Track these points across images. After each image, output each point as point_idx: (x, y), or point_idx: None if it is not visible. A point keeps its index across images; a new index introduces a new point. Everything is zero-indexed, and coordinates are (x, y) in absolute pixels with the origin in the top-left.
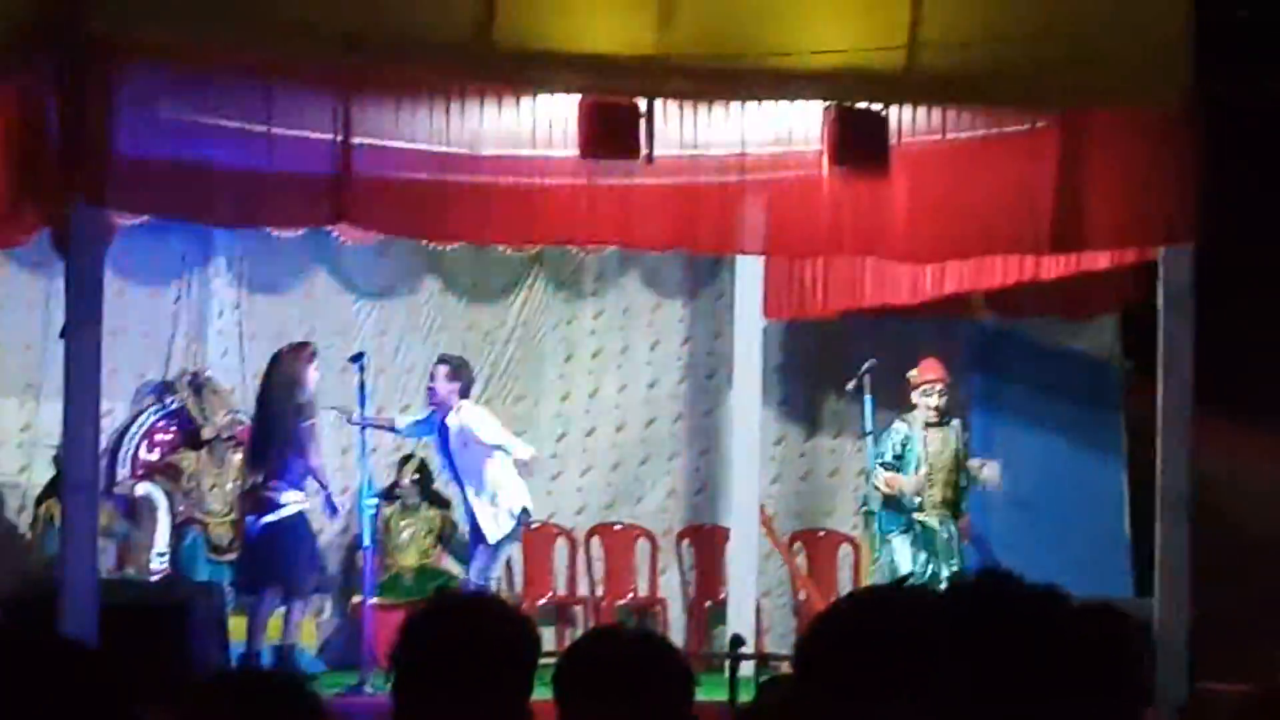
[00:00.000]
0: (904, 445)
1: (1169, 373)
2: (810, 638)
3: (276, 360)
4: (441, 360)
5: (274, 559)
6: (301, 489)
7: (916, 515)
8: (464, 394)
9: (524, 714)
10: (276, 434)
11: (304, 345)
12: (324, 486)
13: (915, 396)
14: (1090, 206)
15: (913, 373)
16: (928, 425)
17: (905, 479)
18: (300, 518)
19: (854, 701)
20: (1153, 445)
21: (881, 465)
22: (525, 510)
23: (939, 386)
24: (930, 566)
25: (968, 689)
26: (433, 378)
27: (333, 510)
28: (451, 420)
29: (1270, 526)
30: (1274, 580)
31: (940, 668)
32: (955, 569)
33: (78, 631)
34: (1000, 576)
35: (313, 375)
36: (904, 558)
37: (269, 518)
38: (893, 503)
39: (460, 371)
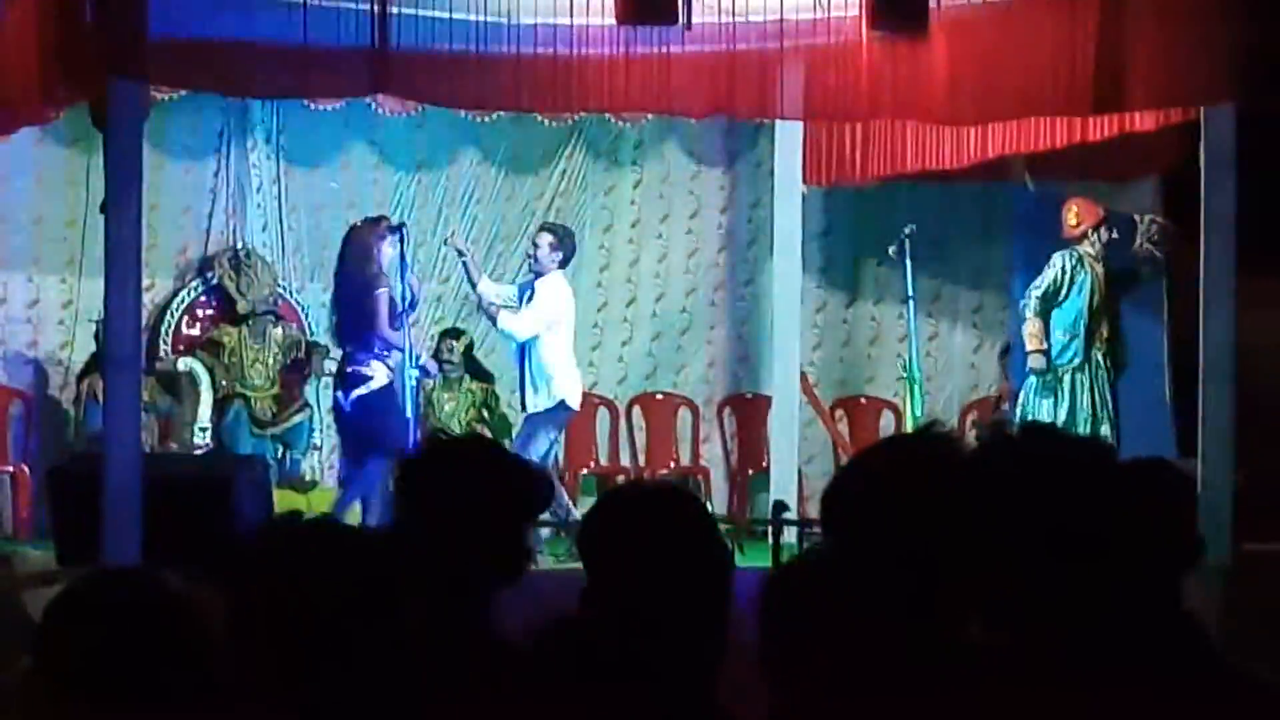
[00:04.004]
0: (1070, 274)
1: (1211, 233)
2: (832, 489)
3: (351, 233)
4: (546, 229)
5: (374, 430)
6: (384, 360)
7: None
8: (563, 264)
9: (524, 554)
10: (353, 307)
11: (379, 219)
12: (401, 351)
13: (1088, 235)
14: (1131, 67)
15: (1070, 216)
16: (1094, 260)
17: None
18: (390, 387)
19: (878, 550)
20: (1195, 306)
21: (1039, 299)
22: (563, 403)
23: (1102, 226)
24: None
25: (1008, 538)
26: (535, 245)
27: (424, 373)
28: (539, 285)
29: None
30: None
31: (970, 513)
32: (1095, 423)
33: (121, 506)
34: (1046, 429)
35: (387, 250)
36: (1041, 408)
37: (358, 391)
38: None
39: (564, 241)
